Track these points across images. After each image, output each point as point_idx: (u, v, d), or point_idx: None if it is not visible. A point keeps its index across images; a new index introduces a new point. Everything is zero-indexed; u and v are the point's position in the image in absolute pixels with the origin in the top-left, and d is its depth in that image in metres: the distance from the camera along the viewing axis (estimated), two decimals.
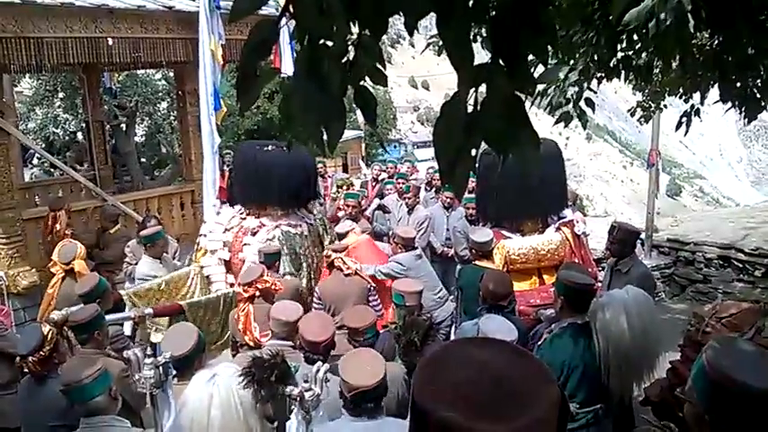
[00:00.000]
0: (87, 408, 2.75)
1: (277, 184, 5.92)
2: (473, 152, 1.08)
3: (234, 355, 4.43)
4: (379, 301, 5.14)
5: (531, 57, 1.09)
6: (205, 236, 6.13)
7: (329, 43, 1.08)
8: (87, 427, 2.75)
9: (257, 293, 4.42)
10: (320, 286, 5.19)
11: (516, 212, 5.68)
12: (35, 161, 12.98)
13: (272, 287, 4.49)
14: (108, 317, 4.24)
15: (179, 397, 2.57)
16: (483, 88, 1.11)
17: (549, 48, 1.09)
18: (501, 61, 1.01)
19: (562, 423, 0.98)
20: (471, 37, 1.07)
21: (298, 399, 2.56)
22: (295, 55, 8.10)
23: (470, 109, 1.06)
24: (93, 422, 2.74)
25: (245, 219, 6.09)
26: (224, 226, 6.10)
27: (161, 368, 2.46)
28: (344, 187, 8.49)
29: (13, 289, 6.77)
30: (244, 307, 4.40)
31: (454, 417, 0.88)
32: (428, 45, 5.25)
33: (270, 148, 6.18)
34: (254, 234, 5.92)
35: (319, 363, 2.86)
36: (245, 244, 5.86)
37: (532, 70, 1.16)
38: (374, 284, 5.16)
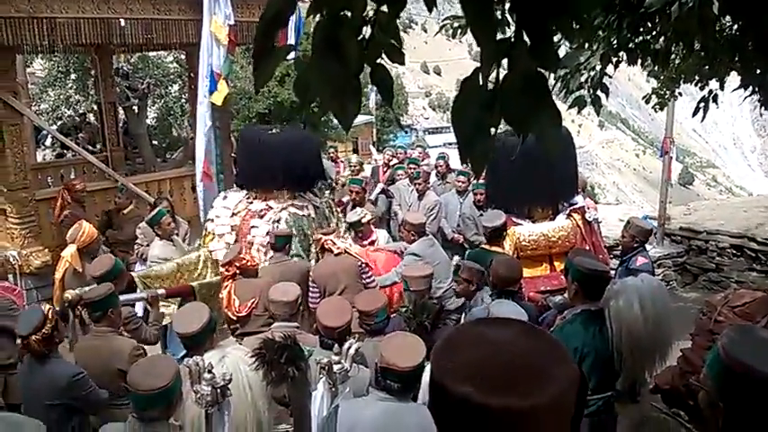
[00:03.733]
0: (140, 415, 2.60)
1: (282, 167, 5.89)
2: (492, 131, 1.06)
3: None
4: (373, 278, 5.14)
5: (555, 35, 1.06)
6: (212, 221, 6.13)
7: (348, 14, 1.06)
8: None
9: (237, 271, 4.77)
10: (313, 270, 5.20)
11: (526, 199, 5.65)
12: (48, 142, 13.02)
13: (249, 263, 4.84)
14: (121, 297, 4.27)
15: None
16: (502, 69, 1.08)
17: (574, 24, 1.05)
18: (524, 36, 0.98)
19: (580, 402, 0.97)
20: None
21: (326, 368, 2.57)
22: (302, 30, 8.03)
23: (491, 86, 1.04)
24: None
25: (251, 202, 6.08)
26: (231, 210, 6.09)
27: (219, 390, 2.41)
28: (356, 172, 8.45)
29: (26, 269, 6.84)
30: (226, 284, 4.76)
31: (472, 391, 0.90)
32: (441, 28, 5.18)
33: (274, 130, 6.13)
34: (261, 217, 5.91)
35: (351, 340, 2.90)
36: (252, 227, 5.86)
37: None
38: (366, 262, 5.16)
